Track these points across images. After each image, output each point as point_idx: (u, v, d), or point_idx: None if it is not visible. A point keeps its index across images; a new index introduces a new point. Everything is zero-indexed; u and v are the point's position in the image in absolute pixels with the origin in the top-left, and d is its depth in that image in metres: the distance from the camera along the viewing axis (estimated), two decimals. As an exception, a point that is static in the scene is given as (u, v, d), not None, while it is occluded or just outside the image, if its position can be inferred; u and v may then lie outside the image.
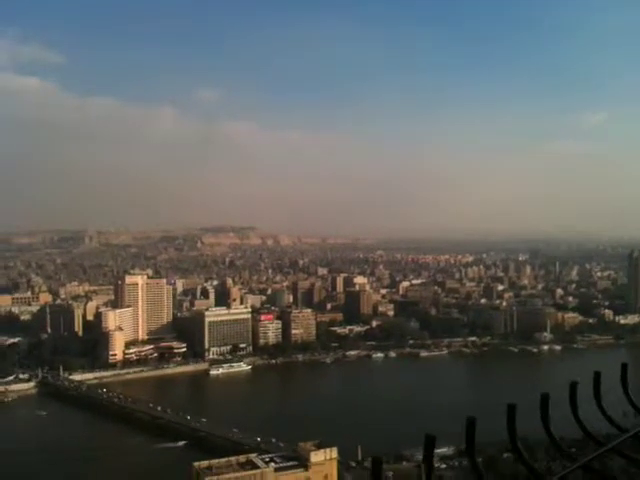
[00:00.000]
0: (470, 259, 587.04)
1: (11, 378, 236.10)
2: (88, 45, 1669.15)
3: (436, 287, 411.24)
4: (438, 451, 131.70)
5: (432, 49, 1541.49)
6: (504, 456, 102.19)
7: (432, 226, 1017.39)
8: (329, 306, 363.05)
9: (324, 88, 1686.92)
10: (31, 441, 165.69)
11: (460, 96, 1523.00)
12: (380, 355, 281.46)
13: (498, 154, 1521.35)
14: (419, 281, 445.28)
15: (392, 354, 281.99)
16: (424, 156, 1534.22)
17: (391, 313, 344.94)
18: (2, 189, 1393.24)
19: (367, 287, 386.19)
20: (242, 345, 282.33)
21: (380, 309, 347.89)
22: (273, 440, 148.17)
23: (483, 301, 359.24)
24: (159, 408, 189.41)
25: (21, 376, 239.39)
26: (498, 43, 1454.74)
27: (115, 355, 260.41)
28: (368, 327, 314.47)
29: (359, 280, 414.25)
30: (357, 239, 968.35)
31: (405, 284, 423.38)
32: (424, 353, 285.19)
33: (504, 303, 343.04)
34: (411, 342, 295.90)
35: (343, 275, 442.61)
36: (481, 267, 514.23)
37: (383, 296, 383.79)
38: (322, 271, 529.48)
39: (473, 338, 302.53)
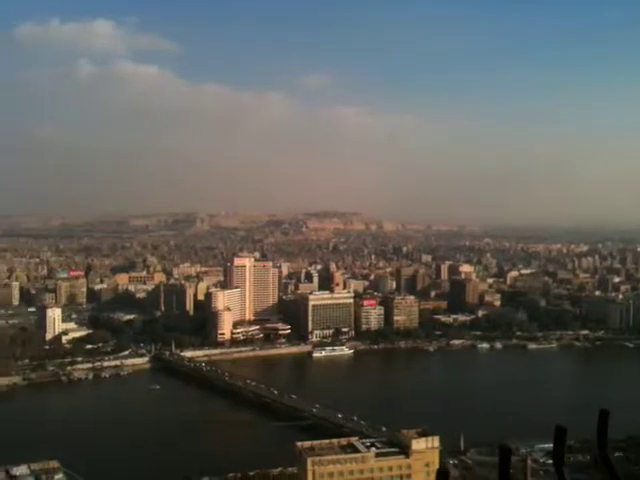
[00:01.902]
0: (584, 249, 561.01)
1: (126, 353, 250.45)
2: (202, 33, 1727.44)
3: (546, 277, 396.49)
4: (545, 446, 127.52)
5: (544, 37, 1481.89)
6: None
7: (543, 213, 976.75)
8: (433, 294, 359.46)
9: (434, 72, 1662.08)
10: (146, 413, 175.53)
11: (572, 78, 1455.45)
12: (485, 345, 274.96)
13: (613, 136, 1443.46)
14: (528, 271, 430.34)
15: (498, 345, 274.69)
16: (534, 141, 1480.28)
17: (497, 303, 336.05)
18: (120, 174, 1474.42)
19: (473, 275, 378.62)
20: (344, 329, 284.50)
21: (486, 298, 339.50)
22: (373, 425, 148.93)
23: (597, 293, 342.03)
24: (264, 387, 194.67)
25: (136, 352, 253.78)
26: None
27: (223, 334, 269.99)
28: (473, 316, 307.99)
29: (465, 268, 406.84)
30: (463, 226, 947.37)
31: (513, 273, 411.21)
32: (532, 345, 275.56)
33: (620, 296, 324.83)
34: (518, 333, 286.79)
35: (448, 263, 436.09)
36: (596, 257, 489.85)
37: (490, 285, 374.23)
38: (426, 258, 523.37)
39: (585, 331, 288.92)
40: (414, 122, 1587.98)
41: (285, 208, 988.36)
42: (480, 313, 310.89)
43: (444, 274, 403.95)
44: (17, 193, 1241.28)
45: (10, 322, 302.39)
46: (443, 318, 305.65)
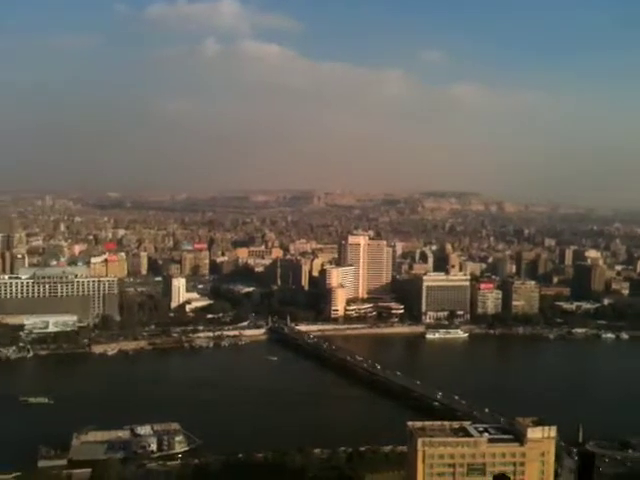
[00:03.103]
0: None
1: (245, 324, 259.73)
2: (323, 12, 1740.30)
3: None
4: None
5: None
6: None
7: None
8: (555, 279, 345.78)
9: (558, 50, 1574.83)
10: (263, 382, 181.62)
11: None
12: (611, 336, 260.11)
13: None
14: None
15: (624, 336, 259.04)
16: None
17: (626, 292, 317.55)
18: (240, 150, 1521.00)
19: (600, 262, 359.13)
20: (459, 312, 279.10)
21: (613, 286, 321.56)
22: (486, 410, 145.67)
23: None
24: (376, 364, 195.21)
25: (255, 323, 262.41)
26: None
27: (337, 310, 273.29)
28: (598, 305, 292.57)
29: (591, 254, 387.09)
30: (591, 209, 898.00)
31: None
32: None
33: None
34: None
35: (573, 247, 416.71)
36: None
37: (618, 273, 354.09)
38: (549, 242, 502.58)
39: None
40: (538, 100, 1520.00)
41: (401, 187, 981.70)
42: (606, 301, 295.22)
43: (568, 259, 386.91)
44: (147, 168, 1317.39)
45: (139, 290, 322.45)
46: (565, 305, 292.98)
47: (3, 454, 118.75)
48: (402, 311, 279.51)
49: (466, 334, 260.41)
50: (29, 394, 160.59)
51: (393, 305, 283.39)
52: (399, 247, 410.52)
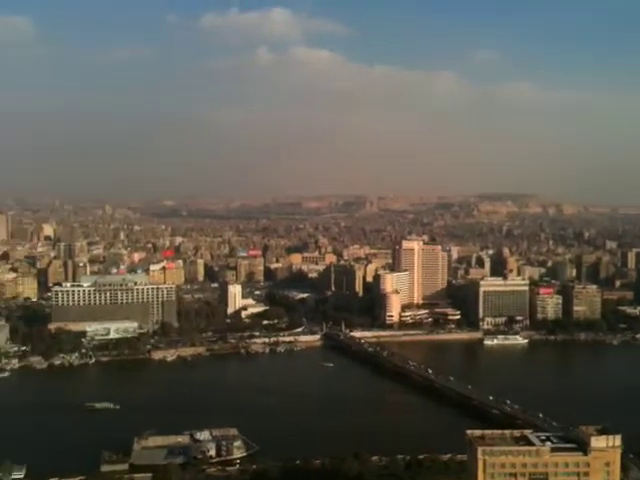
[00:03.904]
0: None
1: (300, 330, 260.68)
2: (373, 16, 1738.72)
3: None
4: None
5: None
6: None
7: None
8: (617, 283, 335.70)
9: (616, 48, 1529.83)
10: (320, 388, 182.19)
11: None
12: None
13: None
14: None
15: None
16: None
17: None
18: (293, 157, 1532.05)
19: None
20: (518, 318, 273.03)
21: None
22: (548, 418, 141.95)
23: None
24: (432, 371, 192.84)
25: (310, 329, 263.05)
26: None
27: (392, 316, 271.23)
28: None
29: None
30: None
31: None
32: None
33: None
34: None
35: (635, 250, 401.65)
36: None
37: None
38: (610, 244, 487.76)
39: None
40: (597, 99, 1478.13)
41: (455, 190, 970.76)
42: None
43: (631, 262, 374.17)
44: (202, 176, 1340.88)
45: (196, 296, 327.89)
46: (629, 310, 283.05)
47: (69, 458, 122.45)
48: (459, 317, 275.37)
49: (525, 340, 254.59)
50: (94, 400, 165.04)
51: (449, 311, 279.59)
52: (454, 252, 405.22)
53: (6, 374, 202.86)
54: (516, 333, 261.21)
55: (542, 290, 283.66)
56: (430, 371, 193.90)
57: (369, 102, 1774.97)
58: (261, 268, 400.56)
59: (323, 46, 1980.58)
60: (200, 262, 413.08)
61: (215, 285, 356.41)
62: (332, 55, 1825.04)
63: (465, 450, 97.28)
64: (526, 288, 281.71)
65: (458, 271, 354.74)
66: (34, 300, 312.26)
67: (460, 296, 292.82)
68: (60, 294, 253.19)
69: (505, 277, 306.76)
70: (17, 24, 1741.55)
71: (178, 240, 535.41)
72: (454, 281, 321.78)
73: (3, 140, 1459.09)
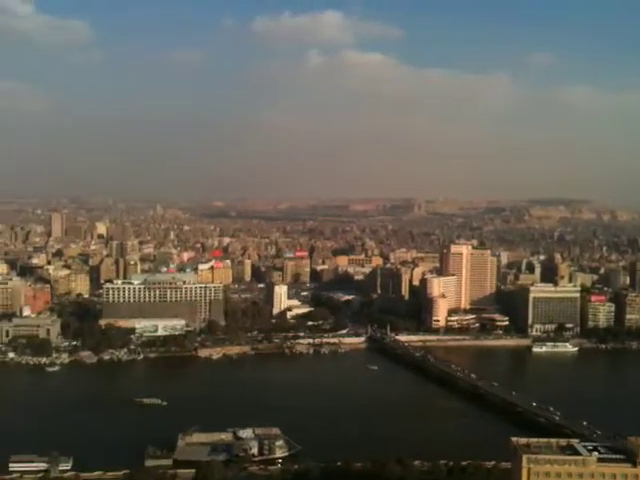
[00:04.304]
0: None
1: (344, 332, 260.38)
2: (427, 19, 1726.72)
3: None
4: None
5: None
6: None
7: None
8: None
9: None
10: (364, 391, 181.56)
11: None
12: None
13: None
14: None
15: None
16: None
17: None
18: (341, 160, 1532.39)
19: None
20: (568, 325, 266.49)
21: None
22: (593, 427, 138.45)
23: None
24: (478, 377, 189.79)
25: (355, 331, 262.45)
26: None
27: (438, 321, 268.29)
28: None
29: None
30: None
31: None
32: None
33: None
34: None
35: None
36: None
37: None
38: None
39: None
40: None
41: (506, 194, 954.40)
42: None
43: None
44: (251, 178, 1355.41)
45: (242, 296, 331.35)
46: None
47: (115, 452, 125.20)
48: (507, 323, 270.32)
49: (575, 348, 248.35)
50: (142, 395, 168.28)
51: (497, 317, 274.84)
52: (504, 257, 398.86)
53: (57, 368, 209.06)
54: (566, 341, 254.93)
55: (594, 297, 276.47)
56: (475, 377, 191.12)
57: (420, 105, 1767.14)
58: (307, 269, 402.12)
59: (375, 49, 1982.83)
60: (247, 262, 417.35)
61: (261, 285, 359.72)
62: (384, 58, 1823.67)
63: (509, 458, 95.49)
64: (577, 295, 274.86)
65: (507, 276, 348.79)
66: (86, 296, 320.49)
67: (509, 302, 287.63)
68: (111, 291, 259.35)
69: (556, 283, 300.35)
70: (75, 27, 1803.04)
71: (226, 240, 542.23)
72: (503, 286, 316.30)
73: (58, 141, 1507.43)
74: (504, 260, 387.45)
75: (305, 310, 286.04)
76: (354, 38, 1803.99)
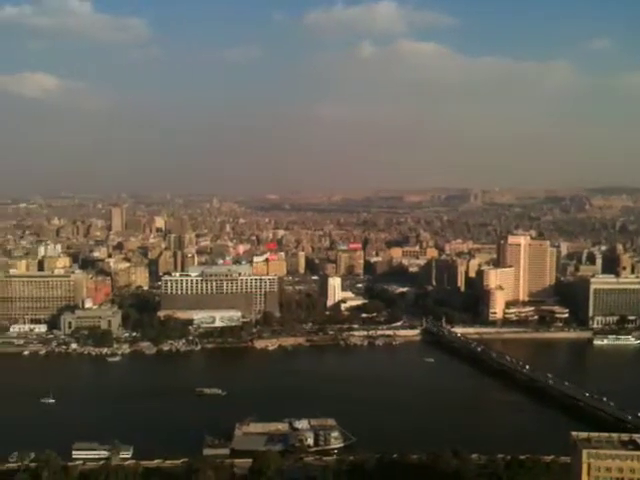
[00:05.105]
0: None
1: (399, 324, 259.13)
2: (482, 7, 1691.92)
3: None
4: None
5: None
6: None
7: None
8: None
9: None
10: (420, 383, 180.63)
11: None
12: None
13: None
14: None
15: None
16: None
17: None
18: (394, 151, 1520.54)
19: None
20: (631, 317, 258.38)
21: None
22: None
23: None
24: (537, 370, 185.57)
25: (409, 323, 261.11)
26: None
27: (495, 313, 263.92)
28: None
29: None
30: None
31: None
32: None
33: None
34: None
35: None
36: None
37: None
38: None
39: None
40: None
41: (566, 183, 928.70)
42: None
43: None
44: (305, 171, 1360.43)
45: (297, 288, 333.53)
46: None
47: (175, 440, 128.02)
48: (567, 315, 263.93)
49: (638, 341, 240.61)
50: (203, 385, 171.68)
51: (557, 309, 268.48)
52: (564, 247, 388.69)
53: (117, 358, 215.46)
54: (628, 333, 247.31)
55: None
56: (533, 369, 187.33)
57: (476, 94, 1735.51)
58: (361, 261, 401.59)
59: (429, 38, 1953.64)
60: (301, 254, 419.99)
61: (315, 277, 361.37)
62: (438, 47, 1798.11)
63: (569, 452, 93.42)
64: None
65: (567, 268, 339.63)
66: (145, 288, 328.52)
67: (569, 294, 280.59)
68: (169, 283, 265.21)
69: (618, 275, 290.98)
70: (132, 26, 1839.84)
71: (281, 233, 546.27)
72: (563, 278, 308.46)
73: (118, 137, 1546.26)
74: (564, 251, 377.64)
75: (359, 302, 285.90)
76: (408, 28, 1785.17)
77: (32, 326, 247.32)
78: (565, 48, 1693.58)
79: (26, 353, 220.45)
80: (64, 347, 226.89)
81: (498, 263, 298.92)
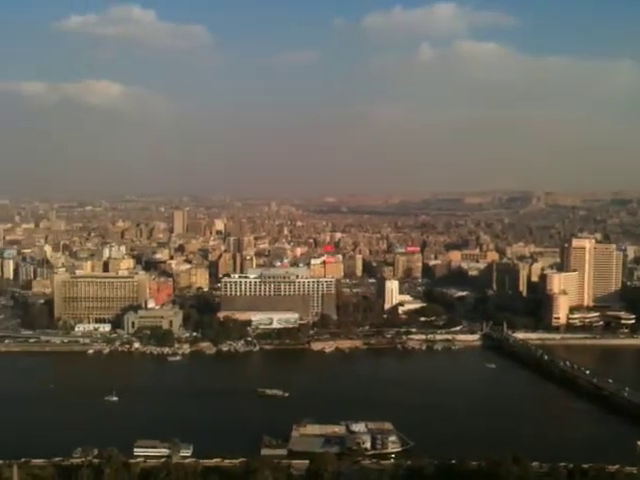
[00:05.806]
0: None
1: (458, 328, 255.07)
2: (543, 4, 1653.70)
3: None
4: None
5: None
6: None
7: None
8: None
9: None
10: (480, 389, 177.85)
11: None
12: None
13: None
14: None
15: None
16: None
17: None
18: (454, 152, 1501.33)
19: None
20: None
21: None
22: None
23: None
24: (603, 378, 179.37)
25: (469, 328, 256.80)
26: None
27: (558, 319, 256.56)
28: None
29: None
30: None
31: None
32: None
33: None
34: None
35: None
36: None
37: None
38: None
39: None
40: None
41: (633, 184, 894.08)
42: None
43: None
44: (363, 173, 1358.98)
45: (354, 291, 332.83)
46: None
47: (234, 440, 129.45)
48: (633, 321, 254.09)
49: None
50: (263, 386, 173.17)
51: (623, 314, 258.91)
52: (631, 251, 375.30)
53: (178, 358, 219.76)
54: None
55: None
56: (598, 377, 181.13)
57: (538, 94, 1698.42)
58: (419, 264, 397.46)
59: (489, 39, 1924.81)
60: (359, 257, 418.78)
61: (373, 280, 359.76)
62: (499, 47, 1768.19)
63: (635, 462, 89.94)
64: None
65: (634, 272, 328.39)
66: (205, 290, 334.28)
67: (636, 299, 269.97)
68: (229, 285, 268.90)
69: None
70: (195, 32, 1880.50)
71: (338, 236, 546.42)
72: (629, 283, 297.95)
73: (182, 143, 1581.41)
74: (630, 255, 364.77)
75: (417, 305, 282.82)
76: (467, 28, 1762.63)
77: (97, 325, 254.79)
78: (629, 45, 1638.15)
79: (90, 352, 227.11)
80: (127, 346, 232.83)
81: (562, 267, 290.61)
